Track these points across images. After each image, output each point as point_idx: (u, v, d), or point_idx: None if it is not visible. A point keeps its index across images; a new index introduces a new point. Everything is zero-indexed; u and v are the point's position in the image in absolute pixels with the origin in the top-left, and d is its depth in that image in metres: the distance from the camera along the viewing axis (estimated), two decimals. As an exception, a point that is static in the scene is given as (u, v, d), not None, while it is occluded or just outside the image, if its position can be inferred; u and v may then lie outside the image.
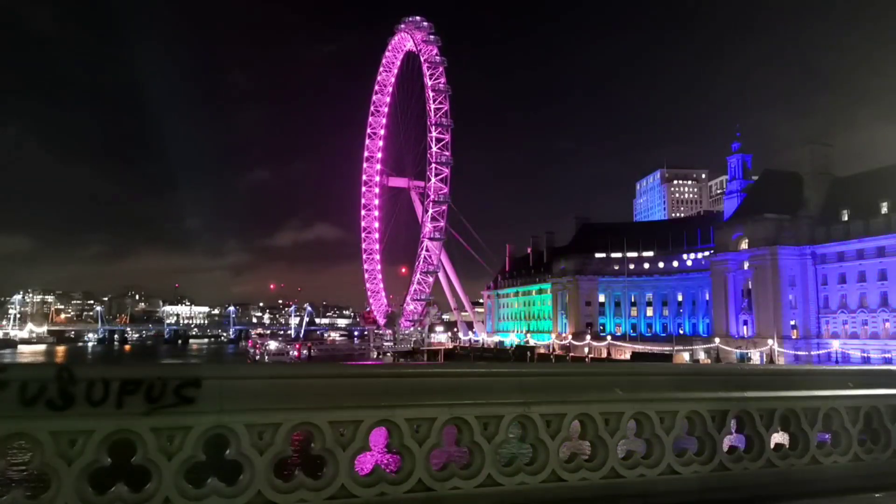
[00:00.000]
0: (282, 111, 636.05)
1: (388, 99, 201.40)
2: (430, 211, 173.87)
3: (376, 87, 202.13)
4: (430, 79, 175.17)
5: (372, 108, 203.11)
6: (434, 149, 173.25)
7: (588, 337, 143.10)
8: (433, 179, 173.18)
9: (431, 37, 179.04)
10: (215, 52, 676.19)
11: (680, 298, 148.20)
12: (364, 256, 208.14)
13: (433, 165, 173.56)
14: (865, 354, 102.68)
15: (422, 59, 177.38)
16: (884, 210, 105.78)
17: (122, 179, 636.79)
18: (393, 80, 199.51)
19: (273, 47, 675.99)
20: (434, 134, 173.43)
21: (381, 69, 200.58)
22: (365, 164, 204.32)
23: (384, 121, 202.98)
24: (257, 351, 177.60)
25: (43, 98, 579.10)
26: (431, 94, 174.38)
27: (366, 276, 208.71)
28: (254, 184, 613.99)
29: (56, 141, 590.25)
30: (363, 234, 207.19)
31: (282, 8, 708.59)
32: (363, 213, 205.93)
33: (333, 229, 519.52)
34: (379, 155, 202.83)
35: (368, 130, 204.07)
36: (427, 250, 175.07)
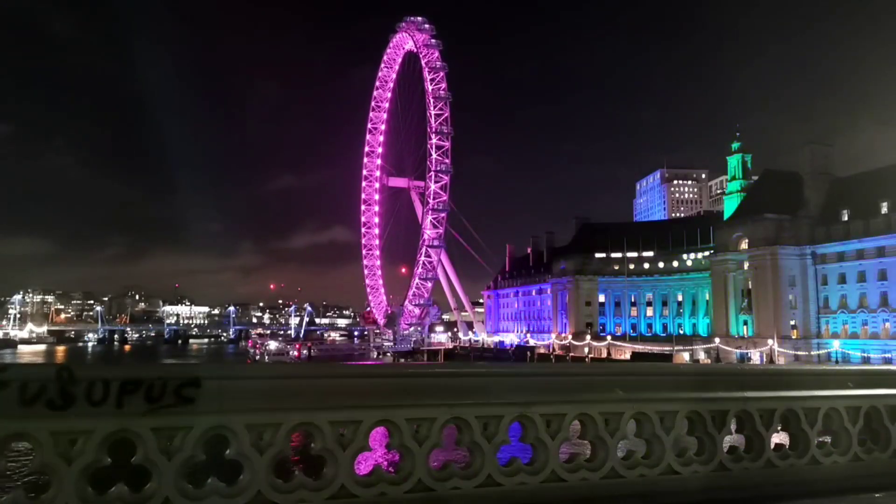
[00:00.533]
0: (295, 114, 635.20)
1: (388, 94, 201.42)
2: (430, 218, 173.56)
3: (377, 83, 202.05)
4: (431, 84, 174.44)
5: (373, 104, 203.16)
6: (434, 156, 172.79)
7: (588, 337, 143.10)
8: (433, 186, 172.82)
9: (433, 41, 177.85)
10: (227, 57, 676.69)
11: (680, 298, 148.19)
12: (364, 252, 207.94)
13: (433, 173, 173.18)
14: (865, 354, 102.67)
15: (423, 63, 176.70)
16: (884, 210, 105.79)
17: (131, 183, 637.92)
18: (394, 75, 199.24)
19: (287, 49, 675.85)
20: (434, 141, 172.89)
21: (383, 65, 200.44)
22: (365, 159, 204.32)
23: (385, 116, 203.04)
24: (257, 351, 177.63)
25: (66, 104, 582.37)
26: (432, 100, 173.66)
27: (365, 272, 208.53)
28: (262, 188, 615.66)
29: (76, 146, 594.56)
30: (363, 230, 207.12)
31: (287, 14, 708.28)
32: (363, 208, 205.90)
33: (338, 231, 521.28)
34: (379, 150, 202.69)
35: (369, 125, 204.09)
36: (427, 256, 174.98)
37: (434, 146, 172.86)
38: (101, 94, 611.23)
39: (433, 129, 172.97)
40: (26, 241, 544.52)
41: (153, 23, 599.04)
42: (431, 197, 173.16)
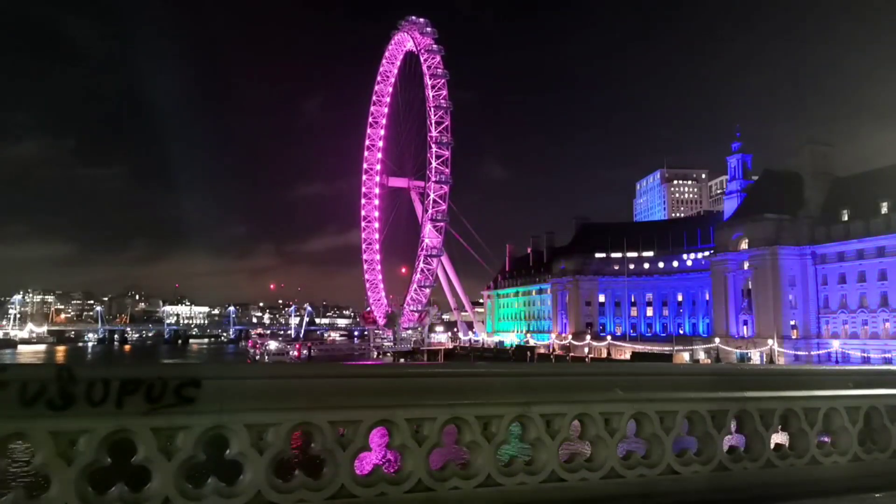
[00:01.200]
0: (308, 119, 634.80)
1: (389, 89, 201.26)
2: (429, 226, 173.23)
3: (378, 78, 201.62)
4: (432, 90, 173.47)
5: (374, 98, 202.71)
6: (434, 164, 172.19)
7: (588, 337, 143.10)
8: (432, 196, 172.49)
9: (435, 46, 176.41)
10: (245, 67, 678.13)
11: (680, 298, 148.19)
12: (364, 246, 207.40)
13: (432, 182, 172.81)
14: (865, 354, 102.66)
15: (424, 69, 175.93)
16: (884, 210, 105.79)
17: (138, 187, 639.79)
18: (395, 71, 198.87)
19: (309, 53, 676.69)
20: (434, 150, 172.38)
21: (384, 60, 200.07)
22: (366, 153, 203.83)
23: (385, 111, 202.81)
24: (257, 351, 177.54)
25: (88, 113, 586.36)
26: (432, 108, 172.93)
27: (365, 266, 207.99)
28: (269, 192, 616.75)
29: (98, 150, 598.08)
30: (363, 224, 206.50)
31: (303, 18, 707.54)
32: (363, 201, 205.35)
33: (342, 233, 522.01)
34: (380, 143, 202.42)
35: (370, 119, 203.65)
36: (426, 264, 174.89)
37: (434, 155, 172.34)
38: (121, 103, 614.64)
39: (433, 139, 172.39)
40: (48, 245, 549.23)
41: (168, 29, 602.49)
42: (431, 206, 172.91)
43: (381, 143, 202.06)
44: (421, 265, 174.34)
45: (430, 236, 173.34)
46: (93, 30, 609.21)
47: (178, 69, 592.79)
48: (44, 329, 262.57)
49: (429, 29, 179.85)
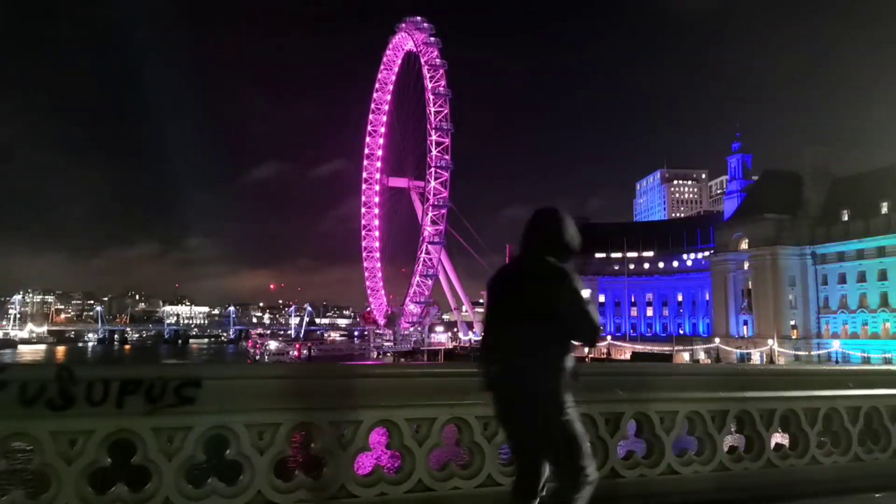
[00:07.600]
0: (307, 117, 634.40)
1: (388, 97, 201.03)
2: (430, 214, 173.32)
3: (377, 85, 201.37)
4: (431, 81, 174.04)
5: (372, 106, 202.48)
6: (434, 152, 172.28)
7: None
8: (433, 183, 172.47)
9: (432, 39, 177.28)
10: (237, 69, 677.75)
11: (680, 298, 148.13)
12: (364, 254, 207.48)
13: (433, 169, 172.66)
14: (865, 354, 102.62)
15: (422, 61, 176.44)
16: (884, 210, 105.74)
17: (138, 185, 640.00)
18: (393, 77, 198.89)
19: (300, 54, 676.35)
20: (434, 137, 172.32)
21: (382, 67, 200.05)
22: (365, 162, 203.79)
23: (385, 118, 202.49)
24: (257, 351, 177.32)
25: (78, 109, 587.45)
26: (431, 97, 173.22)
27: (365, 274, 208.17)
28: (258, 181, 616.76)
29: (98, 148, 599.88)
30: (363, 232, 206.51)
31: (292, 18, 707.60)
32: (363, 210, 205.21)
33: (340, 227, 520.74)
34: (379, 153, 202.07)
35: (369, 128, 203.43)
36: (427, 253, 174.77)
37: (434, 143, 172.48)
38: (119, 106, 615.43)
39: (433, 126, 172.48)
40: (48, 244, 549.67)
41: (164, 32, 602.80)
42: (431, 193, 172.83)
43: (380, 153, 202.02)
44: (422, 255, 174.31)
45: (431, 224, 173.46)
46: (76, 30, 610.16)
47: (174, 70, 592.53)
48: (44, 329, 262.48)
49: (426, 25, 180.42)
